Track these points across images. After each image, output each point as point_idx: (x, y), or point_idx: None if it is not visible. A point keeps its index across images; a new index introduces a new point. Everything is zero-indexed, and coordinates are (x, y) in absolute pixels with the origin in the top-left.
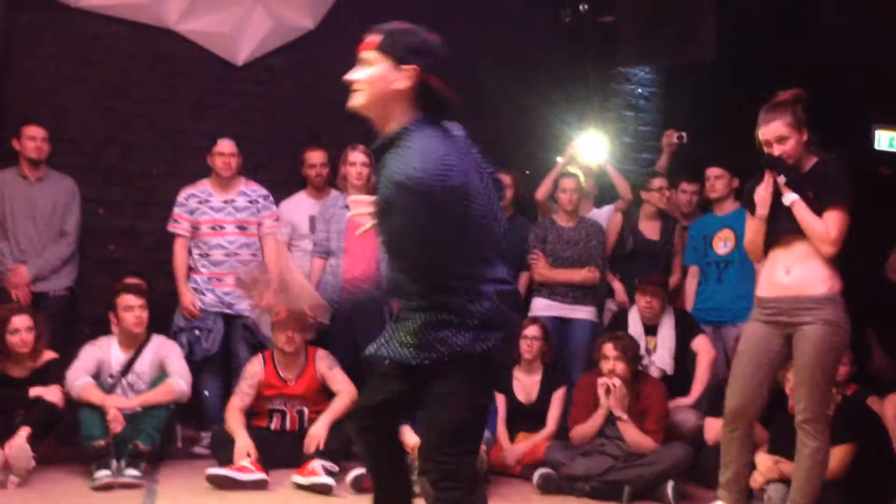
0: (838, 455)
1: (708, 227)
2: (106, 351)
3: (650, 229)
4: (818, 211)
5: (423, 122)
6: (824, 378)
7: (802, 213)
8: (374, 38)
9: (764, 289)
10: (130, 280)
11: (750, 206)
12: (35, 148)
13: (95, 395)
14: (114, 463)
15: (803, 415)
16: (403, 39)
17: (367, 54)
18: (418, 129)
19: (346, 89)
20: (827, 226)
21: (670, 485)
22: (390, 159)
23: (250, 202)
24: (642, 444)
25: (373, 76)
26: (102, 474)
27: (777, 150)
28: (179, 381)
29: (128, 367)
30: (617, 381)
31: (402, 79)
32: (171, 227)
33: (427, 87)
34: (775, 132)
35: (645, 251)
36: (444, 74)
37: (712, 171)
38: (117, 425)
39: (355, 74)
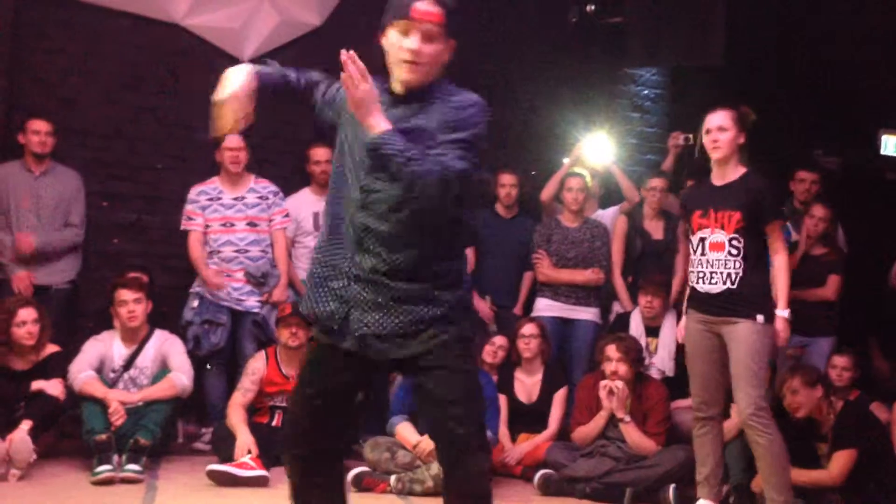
0: (840, 460)
1: None
2: (108, 345)
3: (655, 229)
4: (756, 227)
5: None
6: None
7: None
8: (440, 12)
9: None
10: (130, 274)
11: (685, 214)
12: (39, 142)
13: (97, 389)
14: (115, 457)
15: (745, 411)
16: (456, 17)
17: (432, 28)
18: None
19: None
20: (776, 248)
21: (672, 487)
22: (433, 106)
23: (260, 198)
24: (644, 447)
25: (435, 53)
26: (103, 468)
27: (713, 136)
28: (181, 376)
29: (130, 362)
30: (619, 383)
31: (448, 53)
32: (186, 225)
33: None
34: (717, 121)
35: (652, 252)
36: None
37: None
38: (119, 419)
39: (417, 45)
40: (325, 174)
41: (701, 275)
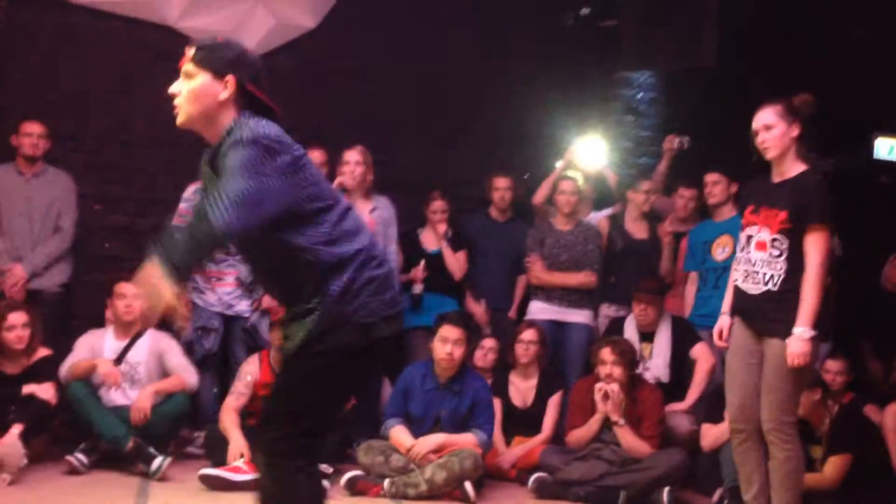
0: (835, 465)
1: (707, 233)
2: (100, 339)
3: (638, 229)
4: (801, 228)
5: (249, 116)
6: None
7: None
8: (189, 51)
9: None
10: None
11: (741, 209)
12: (31, 144)
13: (85, 365)
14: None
15: (766, 424)
16: (220, 52)
17: (186, 67)
18: (245, 119)
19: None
20: (810, 257)
21: (666, 491)
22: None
23: None
24: (638, 450)
25: (194, 89)
26: (158, 462)
27: (760, 137)
28: (189, 375)
29: (122, 356)
30: (614, 387)
31: (223, 89)
32: (176, 222)
33: (249, 96)
34: (762, 120)
35: (635, 252)
36: (264, 85)
37: (710, 177)
38: (113, 385)
39: (175, 87)
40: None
41: (745, 273)
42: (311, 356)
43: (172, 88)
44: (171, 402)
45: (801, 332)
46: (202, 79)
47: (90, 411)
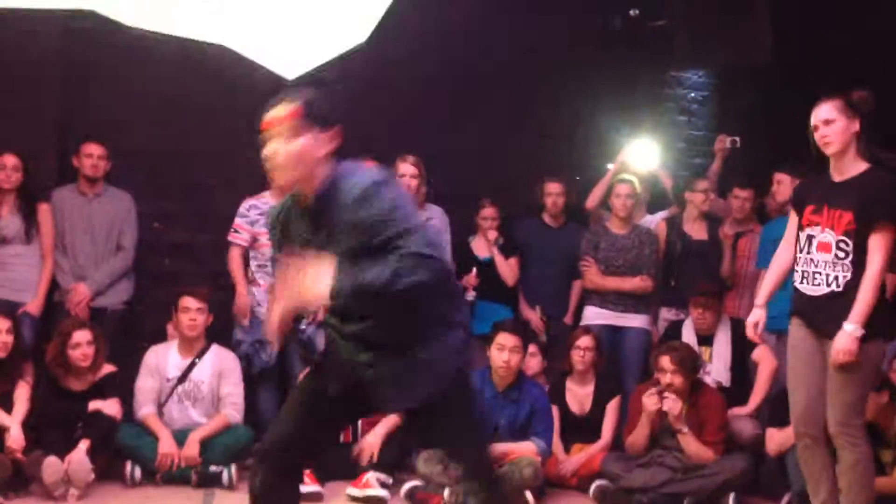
0: None
1: (779, 230)
2: (164, 356)
3: (697, 230)
4: (867, 228)
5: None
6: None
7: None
8: (292, 109)
9: None
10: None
11: (797, 206)
12: (91, 165)
13: (153, 428)
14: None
15: (834, 427)
16: (322, 104)
17: (288, 125)
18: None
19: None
20: (872, 256)
21: (731, 496)
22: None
23: None
24: (702, 456)
25: (301, 149)
26: (226, 476)
27: (821, 132)
28: (233, 413)
29: (185, 374)
30: (669, 402)
31: (329, 141)
32: (231, 237)
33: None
34: (822, 115)
35: (695, 253)
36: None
37: (778, 176)
38: (162, 470)
39: (277, 148)
40: None
41: (805, 274)
42: None
43: (272, 151)
44: (230, 436)
45: (852, 329)
46: (308, 136)
47: (150, 452)
